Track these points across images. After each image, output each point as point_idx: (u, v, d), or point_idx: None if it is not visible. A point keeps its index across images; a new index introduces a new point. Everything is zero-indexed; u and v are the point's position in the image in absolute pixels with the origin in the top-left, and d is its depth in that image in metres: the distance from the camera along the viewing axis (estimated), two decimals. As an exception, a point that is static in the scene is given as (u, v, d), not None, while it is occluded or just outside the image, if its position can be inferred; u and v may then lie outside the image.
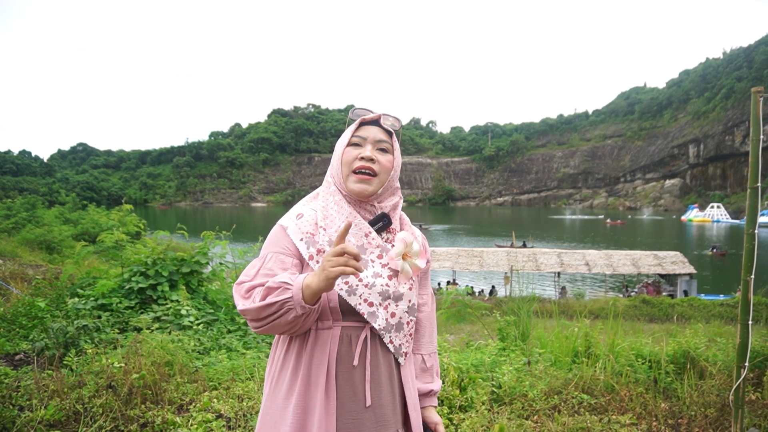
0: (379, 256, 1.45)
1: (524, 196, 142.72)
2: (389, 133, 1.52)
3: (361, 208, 1.50)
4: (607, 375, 3.70)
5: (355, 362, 1.39)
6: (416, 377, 1.60)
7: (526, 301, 5.42)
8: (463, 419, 3.12)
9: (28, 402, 3.06)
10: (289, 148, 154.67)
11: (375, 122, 1.51)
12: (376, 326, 1.40)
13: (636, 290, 24.29)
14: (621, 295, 23.14)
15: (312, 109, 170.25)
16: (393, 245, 1.47)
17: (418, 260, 1.48)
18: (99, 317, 4.67)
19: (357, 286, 1.39)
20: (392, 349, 1.44)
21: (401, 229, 1.55)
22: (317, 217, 1.46)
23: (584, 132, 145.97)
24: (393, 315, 1.43)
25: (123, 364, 3.32)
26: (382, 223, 1.48)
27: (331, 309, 1.39)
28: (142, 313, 4.84)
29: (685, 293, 22.28)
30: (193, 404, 3.23)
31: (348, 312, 1.40)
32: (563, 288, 24.30)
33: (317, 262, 1.39)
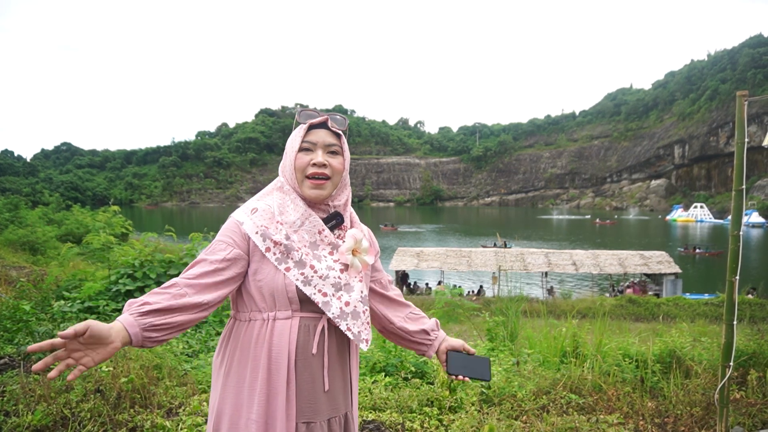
0: (331, 252, 1.53)
1: (512, 196, 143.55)
2: (337, 135, 1.57)
3: (315, 206, 1.57)
4: (594, 375, 3.74)
5: (314, 351, 1.46)
6: (414, 326, 1.72)
7: (514, 301, 5.45)
8: (453, 420, 3.13)
9: (14, 407, 3.01)
10: (277, 148, 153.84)
11: (323, 125, 1.57)
12: (330, 315, 1.45)
13: (628, 285, 24.62)
14: (608, 295, 23.36)
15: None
16: (344, 241, 1.55)
17: (366, 256, 1.57)
18: (86, 320, 4.62)
19: (312, 276, 1.45)
20: (351, 336, 1.48)
21: (351, 225, 1.62)
22: (274, 212, 1.50)
23: (571, 132, 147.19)
24: (347, 304, 1.49)
25: (111, 368, 3.29)
26: (335, 221, 1.57)
27: (289, 299, 1.44)
28: (129, 315, 4.79)
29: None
30: (183, 408, 3.20)
31: (305, 301, 1.46)
32: (551, 288, 24.47)
33: (274, 253, 1.44)
